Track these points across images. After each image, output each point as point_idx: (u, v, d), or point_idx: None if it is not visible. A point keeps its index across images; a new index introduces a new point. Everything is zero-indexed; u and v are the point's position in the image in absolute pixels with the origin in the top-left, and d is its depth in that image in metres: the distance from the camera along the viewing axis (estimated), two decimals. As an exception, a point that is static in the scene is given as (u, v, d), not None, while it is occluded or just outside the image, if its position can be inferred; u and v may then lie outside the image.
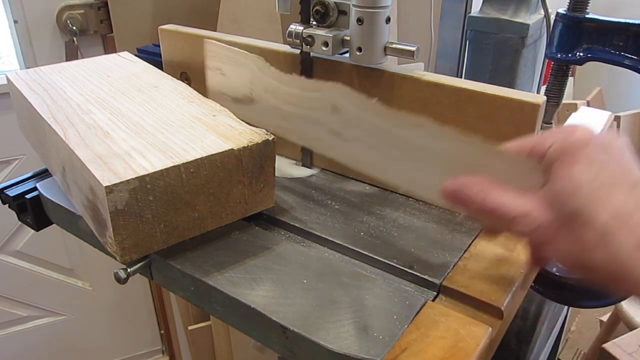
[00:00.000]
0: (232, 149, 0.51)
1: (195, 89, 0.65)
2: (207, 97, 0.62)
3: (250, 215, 0.56)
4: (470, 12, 0.92)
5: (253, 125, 0.54)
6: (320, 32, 0.59)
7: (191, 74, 0.77)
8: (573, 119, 0.83)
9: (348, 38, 0.59)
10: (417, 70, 0.58)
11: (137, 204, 0.46)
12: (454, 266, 0.50)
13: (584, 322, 2.05)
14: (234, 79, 0.59)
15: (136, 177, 0.46)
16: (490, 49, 0.82)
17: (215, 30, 0.88)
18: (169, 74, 0.72)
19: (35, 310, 1.73)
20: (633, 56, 0.56)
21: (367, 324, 0.43)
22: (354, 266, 0.52)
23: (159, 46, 0.80)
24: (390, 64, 0.59)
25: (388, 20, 0.56)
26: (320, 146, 0.54)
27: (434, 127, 0.44)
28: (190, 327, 1.58)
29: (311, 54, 0.63)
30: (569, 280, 0.65)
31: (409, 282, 0.49)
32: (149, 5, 1.38)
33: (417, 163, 0.46)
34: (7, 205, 0.67)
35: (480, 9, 0.84)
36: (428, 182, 0.46)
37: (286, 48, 0.65)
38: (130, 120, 0.57)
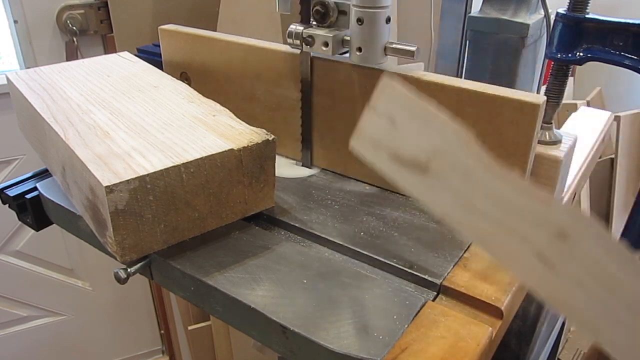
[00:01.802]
0: (232, 149, 0.51)
1: (195, 89, 0.65)
2: (354, 137, 0.42)
3: (250, 215, 0.56)
4: (470, 12, 0.92)
5: (421, 203, 0.43)
6: (320, 32, 0.59)
7: (191, 74, 0.77)
8: (573, 119, 0.83)
9: (348, 38, 0.59)
10: (417, 70, 0.58)
11: (137, 204, 0.46)
12: (454, 266, 0.50)
13: (584, 322, 2.04)
14: (407, 137, 0.43)
15: (136, 177, 0.46)
16: (490, 49, 0.82)
17: (215, 30, 0.88)
18: (169, 74, 0.72)
19: (35, 310, 1.73)
20: (633, 56, 0.56)
21: (367, 324, 0.43)
22: (354, 266, 0.52)
23: (159, 46, 0.80)
24: (391, 64, 0.59)
25: (388, 20, 0.56)
26: (505, 259, 0.40)
27: None
28: (190, 327, 1.58)
29: (311, 54, 0.63)
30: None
31: (409, 282, 0.49)
32: (149, 5, 1.38)
33: None
34: (7, 205, 0.67)
35: (480, 9, 0.84)
36: None
37: (286, 48, 0.65)
38: (130, 121, 0.57)
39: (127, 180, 0.45)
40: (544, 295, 0.38)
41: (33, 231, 0.68)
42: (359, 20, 0.56)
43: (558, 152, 0.56)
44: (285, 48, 0.65)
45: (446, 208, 0.42)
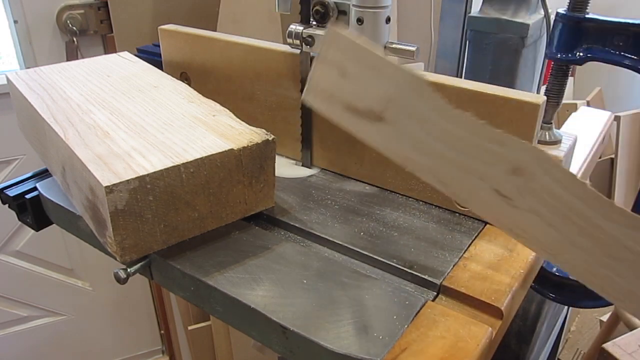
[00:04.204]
0: (232, 149, 0.51)
1: (195, 89, 0.65)
2: (306, 91, 0.46)
3: (250, 215, 0.56)
4: (470, 12, 0.92)
5: (375, 149, 0.42)
6: (320, 32, 0.59)
7: (191, 74, 0.77)
8: (573, 119, 0.83)
9: (348, 38, 0.59)
10: (417, 70, 0.57)
11: (137, 204, 0.46)
12: (454, 266, 0.50)
13: (584, 322, 2.05)
14: (359, 86, 0.44)
15: (136, 177, 0.46)
16: (490, 49, 0.82)
17: (215, 30, 0.88)
18: (169, 74, 0.72)
19: (35, 310, 1.73)
20: (633, 56, 0.56)
21: (367, 324, 0.43)
22: (354, 266, 0.52)
23: (159, 46, 0.80)
24: (390, 64, 0.59)
25: (388, 20, 0.56)
26: (468, 199, 0.43)
27: None
28: (190, 327, 1.58)
29: (311, 54, 0.63)
30: (569, 280, 0.65)
31: (409, 282, 0.49)
32: (149, 5, 1.38)
33: (616, 263, 0.37)
34: (7, 205, 0.67)
35: (480, 9, 0.84)
36: (623, 287, 0.38)
37: (286, 48, 0.65)
38: (130, 121, 0.57)
39: (127, 180, 0.45)
40: (504, 227, 0.42)
41: (33, 231, 0.68)
42: (359, 20, 0.56)
43: (558, 152, 0.56)
44: (285, 48, 0.65)
45: (405, 153, 0.44)
